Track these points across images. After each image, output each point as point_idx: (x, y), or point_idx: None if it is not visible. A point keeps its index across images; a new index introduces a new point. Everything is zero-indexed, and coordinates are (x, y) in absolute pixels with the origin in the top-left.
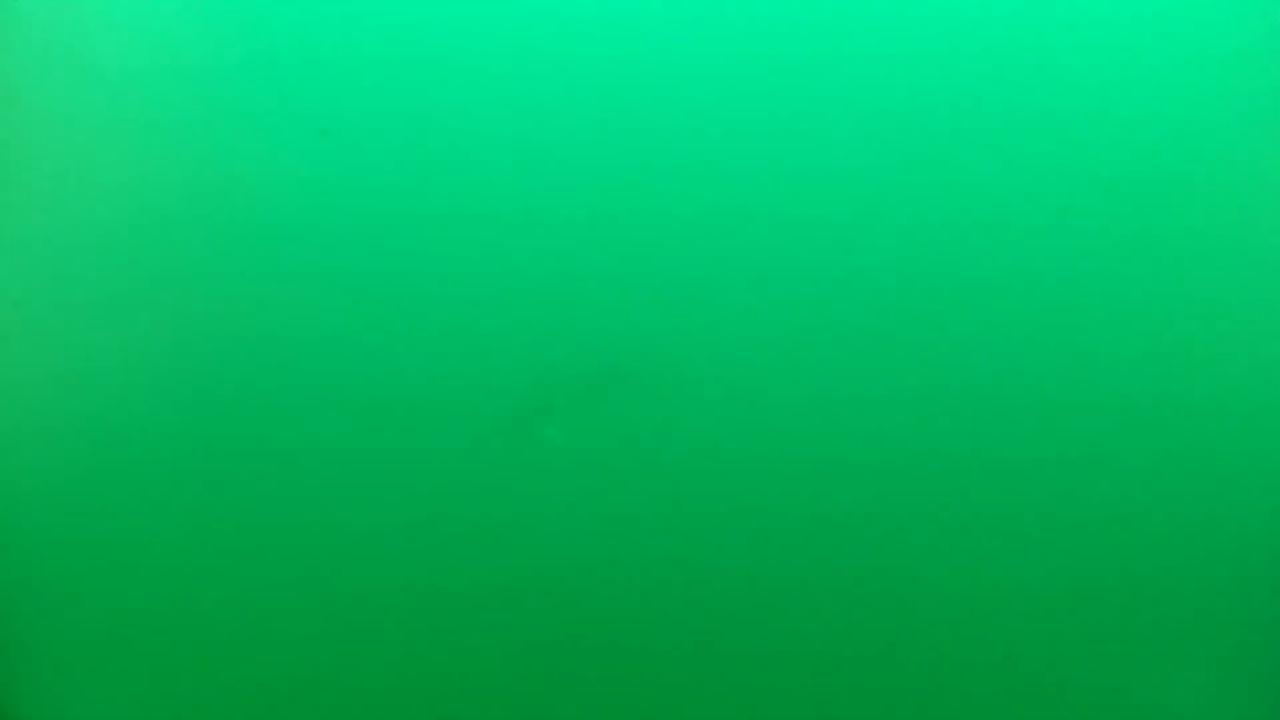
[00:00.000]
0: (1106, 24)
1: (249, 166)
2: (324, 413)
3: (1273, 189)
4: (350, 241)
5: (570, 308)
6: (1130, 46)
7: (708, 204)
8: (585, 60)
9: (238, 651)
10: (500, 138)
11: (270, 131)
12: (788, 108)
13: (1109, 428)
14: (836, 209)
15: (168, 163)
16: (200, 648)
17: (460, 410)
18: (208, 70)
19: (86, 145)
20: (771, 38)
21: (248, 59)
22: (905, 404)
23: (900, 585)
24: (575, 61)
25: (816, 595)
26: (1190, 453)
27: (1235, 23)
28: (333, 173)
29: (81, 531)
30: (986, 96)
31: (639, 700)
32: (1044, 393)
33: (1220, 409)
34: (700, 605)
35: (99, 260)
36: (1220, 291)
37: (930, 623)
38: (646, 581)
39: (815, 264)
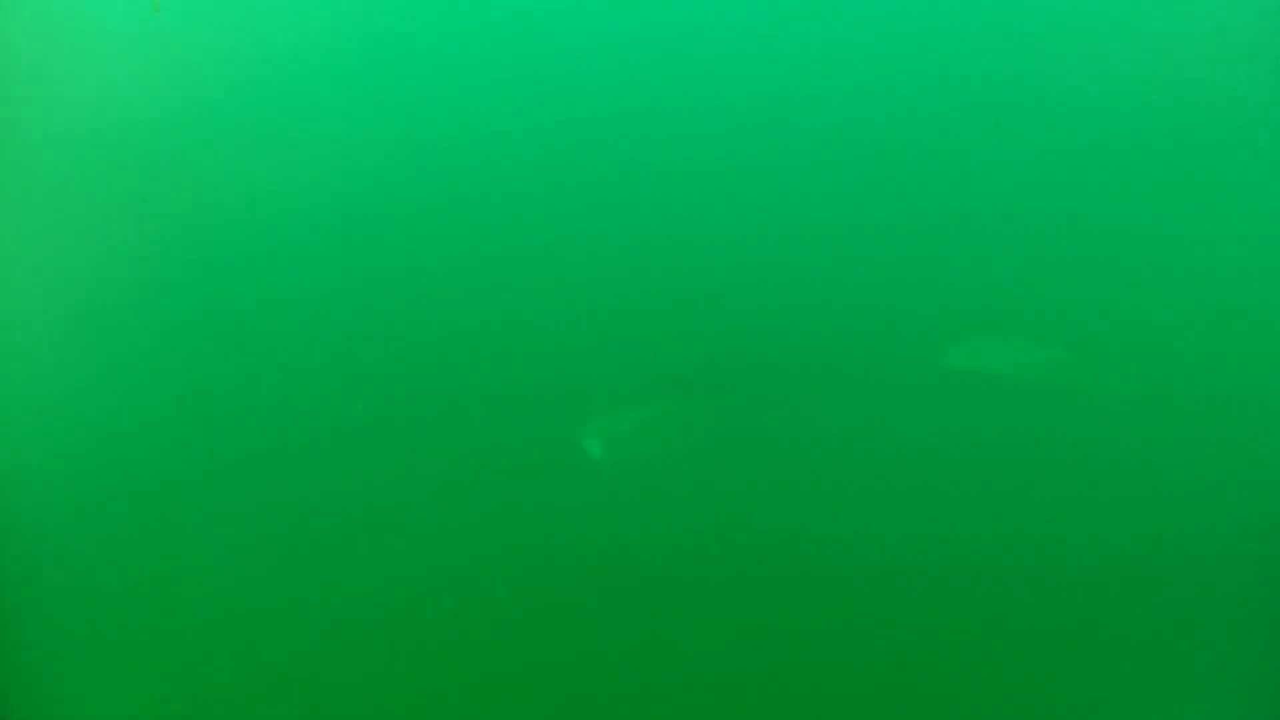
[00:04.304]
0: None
1: (266, 186)
2: (325, 418)
3: (1272, 188)
4: (367, 242)
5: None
6: (1134, 41)
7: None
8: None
9: (236, 652)
10: (537, 140)
11: (282, 147)
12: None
13: (1108, 431)
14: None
15: (178, 167)
16: (199, 648)
17: (479, 415)
18: (214, 83)
19: (88, 142)
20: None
21: (253, 64)
22: (906, 407)
23: (902, 586)
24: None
25: (827, 609)
26: (1191, 453)
27: (1239, 19)
28: (349, 175)
29: (81, 532)
30: (987, 98)
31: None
32: (1045, 396)
33: (1221, 409)
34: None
35: (100, 263)
36: (1220, 291)
37: (931, 624)
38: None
39: (819, 266)
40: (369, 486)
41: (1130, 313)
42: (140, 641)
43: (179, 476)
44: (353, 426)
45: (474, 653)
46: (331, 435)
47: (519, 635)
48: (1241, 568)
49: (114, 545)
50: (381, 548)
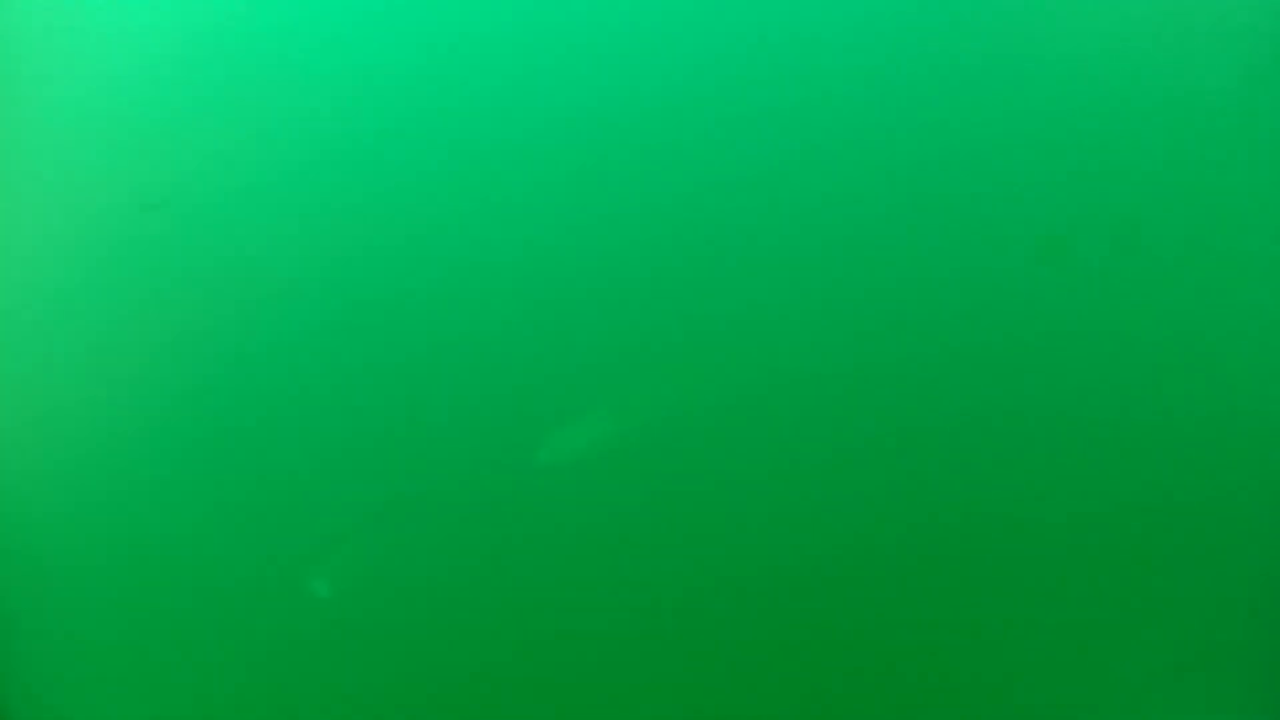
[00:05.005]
0: (1117, 21)
1: (244, 180)
2: (323, 417)
3: (1272, 187)
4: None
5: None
6: (1132, 40)
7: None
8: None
9: (238, 652)
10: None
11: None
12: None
13: (1106, 431)
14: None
15: (168, 161)
16: (201, 648)
17: (457, 418)
18: (205, 78)
19: (88, 141)
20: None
21: (247, 63)
22: (904, 409)
23: (897, 586)
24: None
25: (815, 609)
26: (1192, 454)
27: (1238, 20)
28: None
29: (82, 532)
30: (982, 102)
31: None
32: (1042, 397)
33: (1221, 411)
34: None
35: (100, 261)
36: (1219, 291)
37: (928, 625)
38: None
39: (808, 259)
40: (371, 485)
41: (1128, 322)
42: (141, 643)
43: (182, 475)
44: (353, 429)
45: (476, 655)
46: (331, 437)
47: (523, 643)
48: (1244, 570)
49: (115, 545)
50: (385, 547)
